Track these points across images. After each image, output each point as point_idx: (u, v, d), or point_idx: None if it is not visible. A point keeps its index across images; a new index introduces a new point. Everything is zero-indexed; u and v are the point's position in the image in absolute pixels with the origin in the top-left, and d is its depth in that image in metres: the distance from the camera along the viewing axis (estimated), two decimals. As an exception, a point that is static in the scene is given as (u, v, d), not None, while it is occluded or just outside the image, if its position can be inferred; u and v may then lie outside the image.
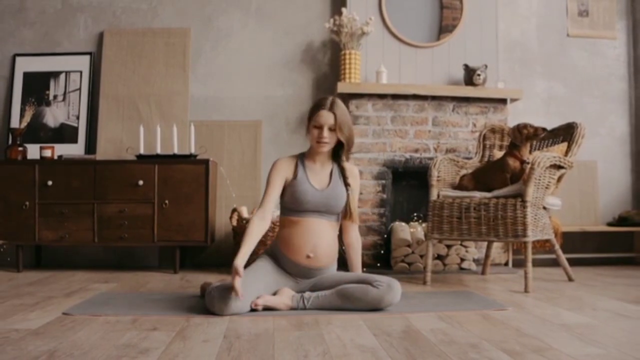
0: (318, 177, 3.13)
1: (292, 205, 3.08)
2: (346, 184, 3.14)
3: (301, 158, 3.18)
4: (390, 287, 2.88)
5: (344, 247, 3.29)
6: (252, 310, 2.84)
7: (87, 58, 4.97)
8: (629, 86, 5.41)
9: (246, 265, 2.88)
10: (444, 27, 5.04)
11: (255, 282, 2.92)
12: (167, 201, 4.39)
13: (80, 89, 4.93)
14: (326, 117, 3.02)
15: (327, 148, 3.09)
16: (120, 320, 2.66)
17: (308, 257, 3.03)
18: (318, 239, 3.04)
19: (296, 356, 2.05)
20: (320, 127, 3.04)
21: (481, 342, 2.24)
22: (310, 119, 3.08)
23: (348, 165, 3.22)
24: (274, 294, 2.96)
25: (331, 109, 3.03)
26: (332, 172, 3.17)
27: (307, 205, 3.05)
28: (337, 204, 3.10)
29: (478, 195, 3.87)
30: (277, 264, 3.10)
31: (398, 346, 2.19)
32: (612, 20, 5.39)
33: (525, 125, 3.90)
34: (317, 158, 3.16)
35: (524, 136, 3.87)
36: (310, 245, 3.03)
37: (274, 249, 3.14)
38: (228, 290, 2.78)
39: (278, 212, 4.32)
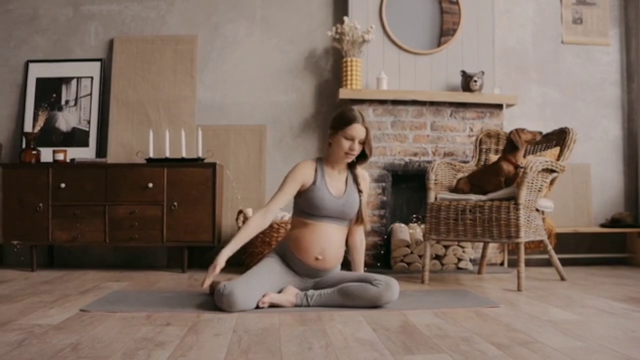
0: (335, 183, 3.22)
1: (307, 208, 3.17)
2: (359, 190, 3.27)
3: (320, 163, 3.25)
4: (388, 285, 3.03)
5: (346, 248, 3.40)
6: (258, 307, 2.99)
7: (97, 64, 5.14)
8: (622, 91, 5.57)
9: (255, 263, 3.02)
10: (445, 31, 5.20)
11: (261, 281, 3.07)
12: (175, 203, 4.55)
13: (91, 94, 5.10)
14: (359, 131, 3.12)
15: (352, 159, 3.22)
16: (135, 316, 2.83)
17: (317, 259, 3.15)
18: (327, 242, 3.16)
19: (301, 348, 2.22)
20: (352, 140, 3.14)
21: (472, 336, 2.41)
22: (338, 130, 3.15)
23: (360, 171, 3.34)
24: (280, 291, 3.12)
25: (364, 123, 3.14)
26: (347, 179, 3.28)
27: (323, 211, 3.15)
28: (351, 211, 3.23)
29: (473, 198, 4.03)
30: (285, 262, 3.22)
31: (395, 339, 2.36)
32: (606, 28, 5.55)
33: (523, 130, 4.08)
34: (336, 165, 3.25)
35: (523, 140, 4.04)
36: (319, 248, 3.15)
37: (283, 248, 3.25)
38: (230, 287, 2.94)
39: (285, 214, 4.50)
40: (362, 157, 3.27)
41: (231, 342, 2.31)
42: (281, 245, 3.28)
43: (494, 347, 2.22)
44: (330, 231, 3.18)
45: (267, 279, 3.09)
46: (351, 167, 3.31)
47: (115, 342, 2.30)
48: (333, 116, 3.26)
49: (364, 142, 3.17)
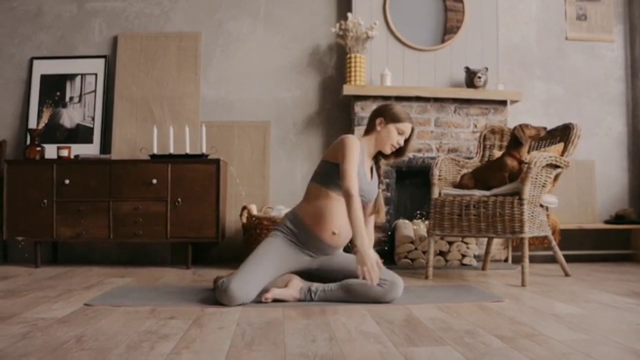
0: (367, 167, 3.27)
1: (339, 181, 3.10)
2: (380, 182, 3.34)
3: (362, 144, 3.24)
4: (393, 285, 3.00)
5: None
6: (262, 301, 2.99)
7: (101, 61, 5.16)
8: (626, 87, 5.56)
9: (259, 242, 2.96)
10: (448, 29, 5.20)
11: (260, 270, 3.00)
12: (179, 199, 4.56)
13: (95, 91, 5.12)
14: (409, 129, 3.26)
15: (392, 151, 3.30)
16: (139, 310, 2.83)
17: (334, 233, 3.12)
18: (345, 221, 3.10)
19: (305, 341, 2.22)
20: (401, 134, 3.24)
21: (476, 329, 2.41)
22: (391, 122, 3.23)
23: (383, 162, 3.38)
24: (283, 276, 3.12)
25: (412, 124, 3.29)
26: (372, 167, 3.34)
27: (359, 188, 3.11)
28: (371, 198, 3.26)
29: (478, 193, 4.02)
30: (292, 238, 3.15)
31: (399, 332, 2.36)
32: (610, 24, 5.54)
33: (527, 125, 4.07)
34: (372, 152, 3.31)
35: (527, 135, 4.03)
36: (338, 223, 3.11)
37: (294, 221, 3.17)
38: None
39: (284, 209, 4.48)
40: (393, 155, 3.36)
41: (235, 334, 2.32)
42: (292, 219, 3.19)
43: (498, 340, 2.22)
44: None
45: (267, 267, 3.03)
46: (376, 158, 3.36)
47: (119, 334, 2.30)
48: (384, 106, 3.34)
49: (408, 140, 3.30)
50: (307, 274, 3.22)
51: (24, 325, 2.45)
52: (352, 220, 2.96)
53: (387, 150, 3.27)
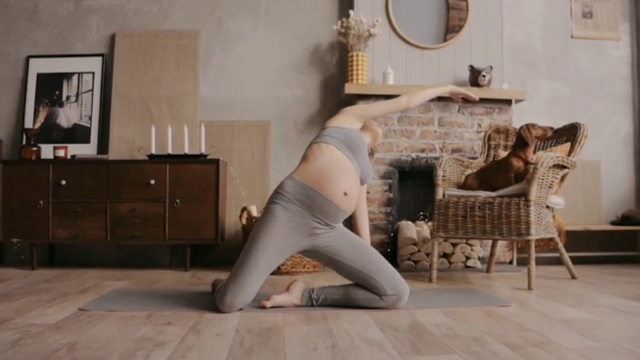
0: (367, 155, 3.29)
1: (348, 143, 3.04)
2: None
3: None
4: (398, 299, 2.90)
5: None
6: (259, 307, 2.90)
7: (99, 59, 5.07)
8: (633, 87, 5.47)
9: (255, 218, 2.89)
10: (450, 27, 5.12)
11: (257, 271, 2.84)
12: (178, 200, 4.48)
13: (92, 90, 5.03)
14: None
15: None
16: (135, 315, 2.75)
17: (345, 194, 2.91)
18: (352, 181, 2.97)
19: (306, 349, 2.13)
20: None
21: (483, 336, 2.32)
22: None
23: None
24: (287, 288, 3.03)
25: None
26: None
27: (361, 156, 3.06)
28: (368, 178, 3.16)
29: (483, 194, 3.94)
30: (300, 205, 2.89)
31: (404, 339, 2.27)
32: (616, 22, 5.45)
33: (534, 125, 3.99)
34: (367, 142, 3.35)
35: (533, 135, 3.95)
36: (347, 183, 2.92)
37: (299, 187, 2.92)
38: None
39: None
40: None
41: (233, 342, 2.24)
42: (294, 186, 2.93)
43: (507, 348, 2.13)
44: (355, 174, 3.02)
45: (264, 267, 2.85)
46: None
47: (113, 342, 2.23)
48: None
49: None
50: (309, 253, 3.05)
51: (15, 332, 2.37)
52: (423, 94, 3.35)
53: (378, 141, 3.43)
